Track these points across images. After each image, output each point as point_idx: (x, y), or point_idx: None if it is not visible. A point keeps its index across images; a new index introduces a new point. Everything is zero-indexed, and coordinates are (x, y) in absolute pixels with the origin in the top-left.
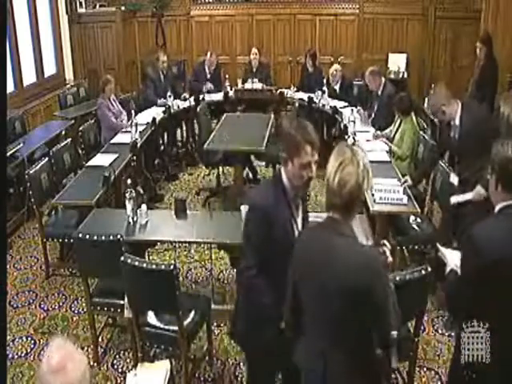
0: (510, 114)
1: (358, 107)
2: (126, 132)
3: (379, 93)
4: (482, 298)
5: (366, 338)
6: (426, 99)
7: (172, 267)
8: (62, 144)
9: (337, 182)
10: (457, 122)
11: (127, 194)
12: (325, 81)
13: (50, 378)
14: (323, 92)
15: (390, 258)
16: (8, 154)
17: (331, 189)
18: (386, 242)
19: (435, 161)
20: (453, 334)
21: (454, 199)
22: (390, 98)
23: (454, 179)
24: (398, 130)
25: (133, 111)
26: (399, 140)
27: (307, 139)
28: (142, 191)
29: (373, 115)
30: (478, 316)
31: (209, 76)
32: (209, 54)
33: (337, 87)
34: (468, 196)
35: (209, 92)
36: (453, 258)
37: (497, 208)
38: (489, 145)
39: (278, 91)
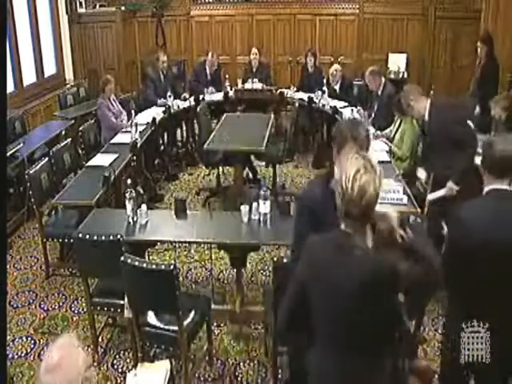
0: (501, 116)
1: (359, 107)
2: (126, 132)
3: (379, 93)
4: (470, 280)
5: (381, 338)
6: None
7: (172, 267)
8: (62, 144)
9: (356, 191)
10: (426, 118)
11: (127, 194)
12: (325, 81)
13: (46, 377)
14: (323, 92)
15: (395, 225)
16: (8, 154)
17: (349, 198)
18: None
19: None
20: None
21: (430, 197)
22: (390, 98)
23: (422, 174)
24: (397, 130)
25: (133, 111)
26: (399, 140)
27: (354, 136)
28: (141, 191)
29: (373, 115)
30: (466, 301)
31: (209, 77)
32: (210, 54)
33: (337, 87)
34: (441, 192)
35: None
36: None
37: (485, 190)
38: (458, 143)
39: (278, 91)
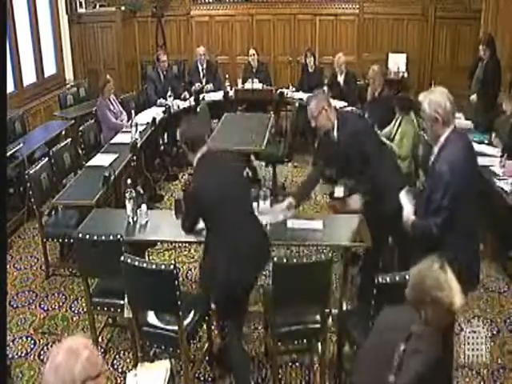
0: None
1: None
2: (126, 132)
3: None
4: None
5: None
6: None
7: (172, 267)
8: (62, 144)
9: None
10: (335, 134)
11: (127, 194)
12: (325, 81)
13: (45, 373)
14: (323, 92)
15: None
16: (8, 154)
17: None
18: None
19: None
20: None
21: None
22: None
23: (340, 192)
24: (397, 129)
25: (133, 111)
26: (399, 141)
27: None
28: (141, 191)
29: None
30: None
31: (202, 74)
32: (199, 48)
33: (341, 79)
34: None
35: (202, 91)
36: (408, 211)
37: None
38: (366, 153)
39: (278, 91)
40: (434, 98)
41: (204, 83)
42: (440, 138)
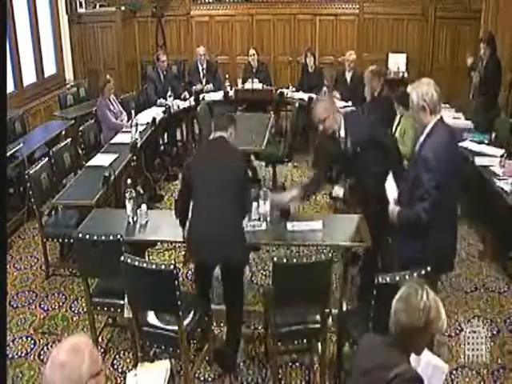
0: None
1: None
2: (126, 132)
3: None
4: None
5: None
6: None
7: (172, 267)
8: (62, 144)
9: None
10: (342, 133)
11: (127, 194)
12: (325, 81)
13: (48, 371)
14: (324, 92)
15: None
16: (8, 154)
17: None
18: None
19: None
20: (453, 334)
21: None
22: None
23: (340, 191)
24: (397, 127)
25: (133, 111)
26: (399, 138)
27: None
28: (141, 191)
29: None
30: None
31: (202, 74)
32: (199, 48)
33: (349, 76)
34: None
35: (202, 91)
36: (391, 195)
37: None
38: (382, 144)
39: (278, 91)
40: (421, 88)
41: (204, 83)
42: (427, 127)
